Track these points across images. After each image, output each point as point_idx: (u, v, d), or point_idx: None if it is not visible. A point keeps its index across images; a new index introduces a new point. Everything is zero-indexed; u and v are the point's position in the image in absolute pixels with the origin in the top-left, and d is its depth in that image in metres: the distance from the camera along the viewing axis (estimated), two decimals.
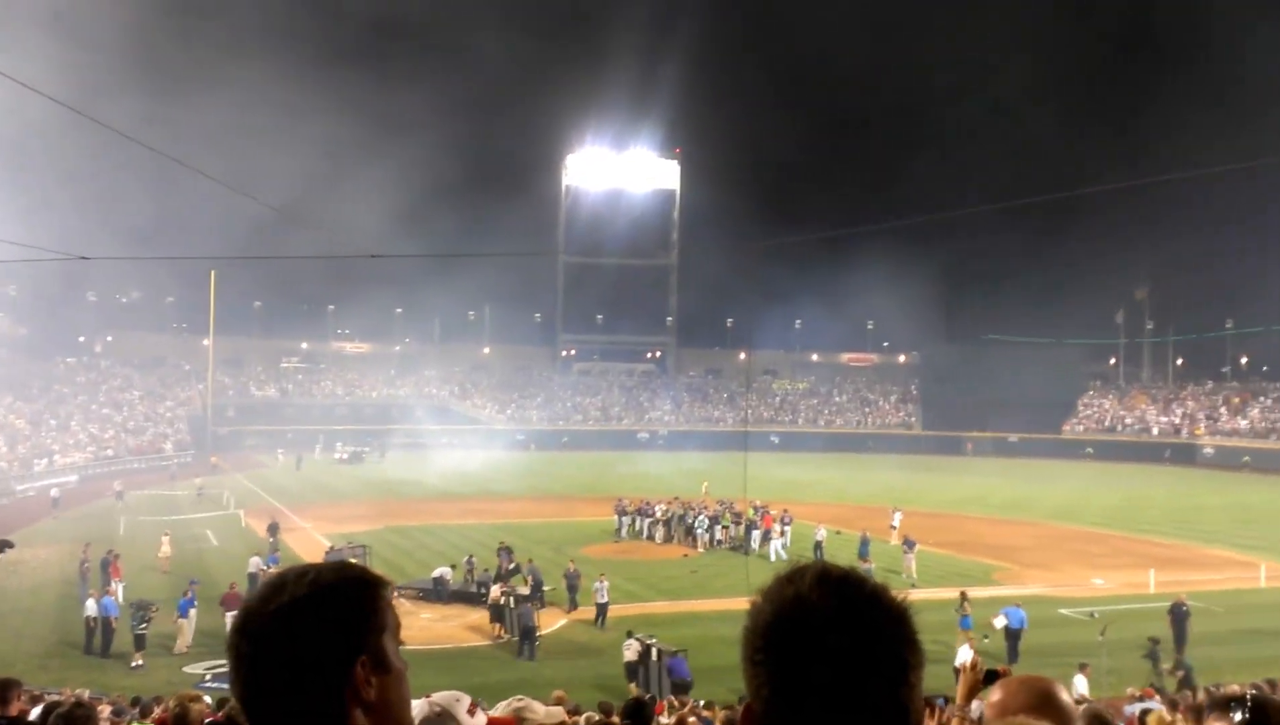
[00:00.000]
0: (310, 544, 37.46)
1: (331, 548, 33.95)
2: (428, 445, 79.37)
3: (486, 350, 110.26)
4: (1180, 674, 20.43)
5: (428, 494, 54.86)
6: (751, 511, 39.27)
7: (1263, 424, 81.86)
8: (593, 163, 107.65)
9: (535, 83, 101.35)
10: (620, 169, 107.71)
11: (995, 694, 2.40)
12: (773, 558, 35.25)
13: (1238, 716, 2.33)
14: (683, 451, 79.84)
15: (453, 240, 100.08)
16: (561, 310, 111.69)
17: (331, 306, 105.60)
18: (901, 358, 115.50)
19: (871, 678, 1.33)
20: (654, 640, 21.91)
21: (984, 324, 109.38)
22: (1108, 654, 21.13)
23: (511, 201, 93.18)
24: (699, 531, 38.99)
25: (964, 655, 19.71)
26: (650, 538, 40.32)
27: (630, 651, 21.70)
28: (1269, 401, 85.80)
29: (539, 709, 2.93)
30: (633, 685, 20.99)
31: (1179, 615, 24.21)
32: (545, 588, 28.48)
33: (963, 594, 25.20)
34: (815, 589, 1.38)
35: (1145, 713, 11.03)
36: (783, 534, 36.95)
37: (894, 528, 38.69)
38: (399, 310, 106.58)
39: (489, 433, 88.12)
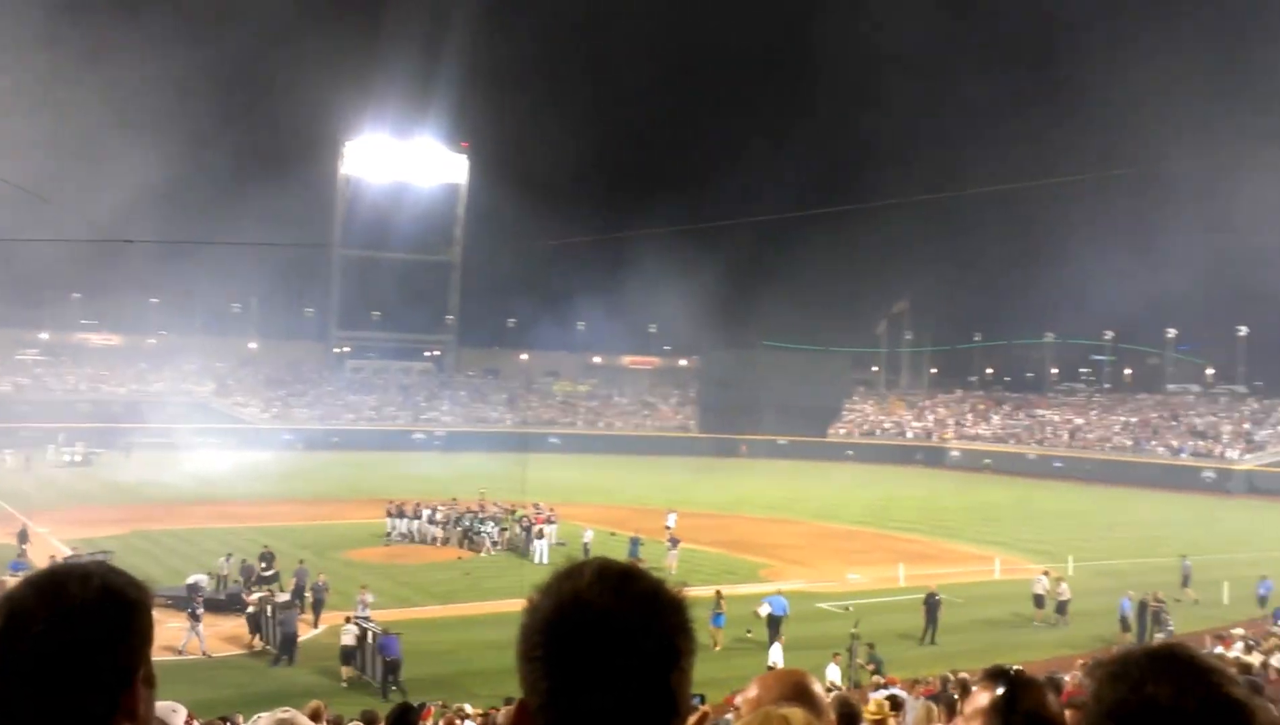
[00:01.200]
0: (49, 551, 34.56)
1: (73, 554, 31.48)
2: (181, 445, 74.45)
3: (253, 345, 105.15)
4: (872, 666, 21.63)
5: (180, 497, 51.20)
6: (518, 513, 39.24)
7: (1003, 430, 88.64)
8: (374, 151, 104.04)
9: (310, 58, 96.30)
10: (404, 160, 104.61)
11: (752, 689, 2.46)
12: (537, 560, 35.21)
13: (1000, 689, 2.46)
14: (460, 452, 78.78)
15: (217, 226, 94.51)
16: (337, 305, 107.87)
17: (76, 294, 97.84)
18: (683, 361, 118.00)
19: (646, 666, 1.37)
20: (371, 623, 22.57)
21: (761, 330, 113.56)
22: (862, 644, 22.34)
23: (284, 187, 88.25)
24: (481, 534, 38.51)
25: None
26: (424, 541, 39.51)
27: (348, 636, 22.10)
28: (1008, 409, 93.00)
29: (303, 721, 2.79)
30: (346, 669, 21.92)
31: (931, 605, 26.46)
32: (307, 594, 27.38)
33: (718, 593, 25.94)
34: (595, 584, 1.40)
35: (891, 698, 11.65)
36: (542, 535, 36.74)
37: (669, 528, 39.37)
38: (154, 300, 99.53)
39: (252, 432, 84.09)
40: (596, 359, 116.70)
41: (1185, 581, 32.38)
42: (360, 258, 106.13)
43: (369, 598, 25.50)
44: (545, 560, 34.85)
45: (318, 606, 26.65)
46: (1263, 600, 29.71)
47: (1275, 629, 22.99)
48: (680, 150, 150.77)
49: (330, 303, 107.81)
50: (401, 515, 40.65)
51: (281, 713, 2.78)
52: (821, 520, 49.71)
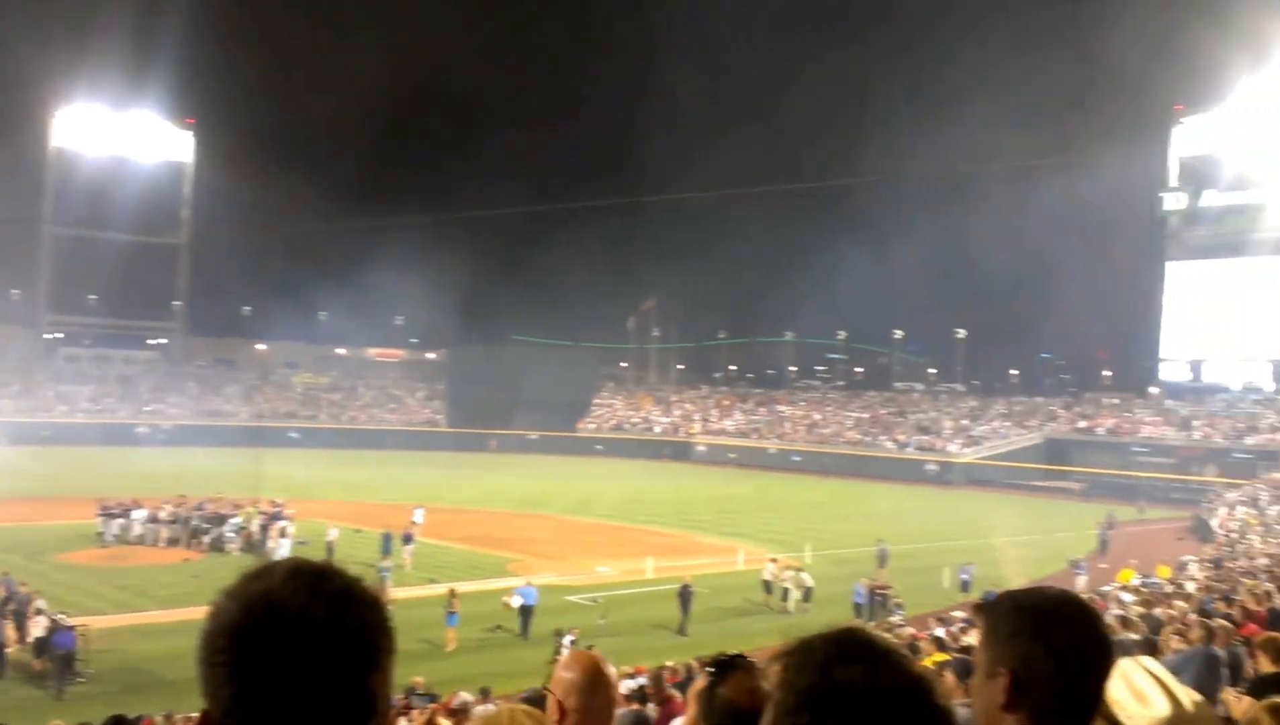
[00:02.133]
0: None
1: None
2: None
3: None
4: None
5: None
6: (251, 511, 36.91)
7: (746, 425, 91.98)
8: (88, 122, 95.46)
9: (16, 15, 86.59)
10: (123, 134, 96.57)
11: (567, 670, 2.63)
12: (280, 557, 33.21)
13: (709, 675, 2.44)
14: (188, 447, 73.70)
15: None
16: (47, 287, 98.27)
17: None
18: (430, 354, 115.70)
19: (342, 667, 1.31)
20: (61, 615, 21.94)
21: (511, 324, 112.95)
22: (610, 634, 22.16)
23: None
24: (219, 534, 35.80)
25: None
26: (147, 542, 36.29)
27: (39, 628, 21.78)
28: (751, 405, 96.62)
29: None
30: (37, 662, 21.56)
31: (685, 596, 26.94)
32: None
33: (451, 591, 25.24)
34: (287, 583, 1.35)
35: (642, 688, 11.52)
36: (285, 534, 34.74)
37: (416, 524, 38.09)
38: None
39: None
40: (340, 351, 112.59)
41: (882, 563, 34.79)
42: (74, 237, 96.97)
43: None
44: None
45: (19, 617, 23.79)
46: (965, 585, 31.53)
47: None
48: (428, 140, 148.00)
49: (39, 284, 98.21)
50: (117, 514, 37.19)
51: None
52: (571, 514, 49.65)
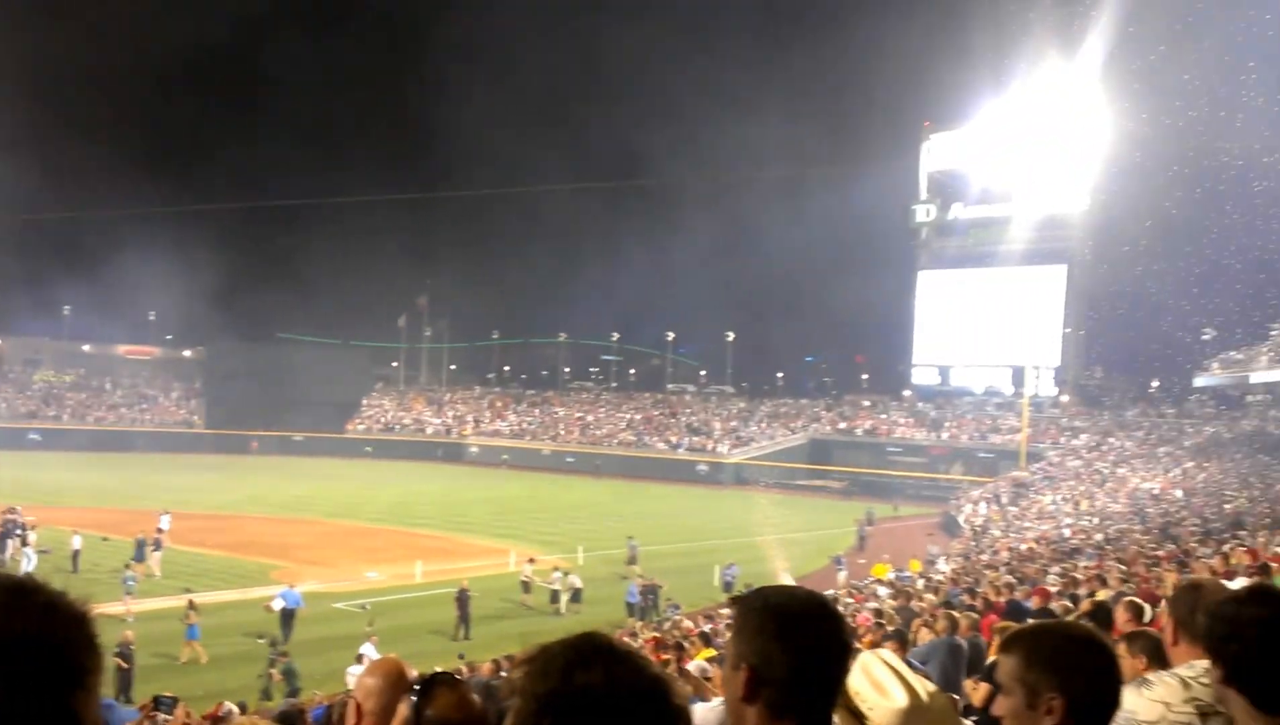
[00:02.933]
0: None
1: None
2: None
3: None
4: (280, 677, 21.14)
5: None
6: None
7: (519, 426, 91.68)
8: None
9: None
10: None
11: (369, 677, 2.61)
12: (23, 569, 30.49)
13: (413, 696, 2.49)
14: None
15: None
16: None
17: None
18: (187, 352, 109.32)
19: (44, 686, 1.25)
20: None
21: (275, 321, 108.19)
22: (383, 641, 21.62)
23: None
24: None
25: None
26: None
27: None
28: (525, 406, 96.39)
29: None
30: None
31: (463, 600, 26.63)
32: None
33: (190, 602, 23.95)
34: None
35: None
36: (26, 543, 32.00)
37: (162, 531, 35.81)
38: None
39: None
40: (85, 347, 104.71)
41: (632, 560, 35.52)
42: None
43: None
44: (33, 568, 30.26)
45: None
46: (728, 586, 32.44)
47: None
48: (183, 125, 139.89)
49: None
50: None
51: None
52: (339, 518, 48.03)
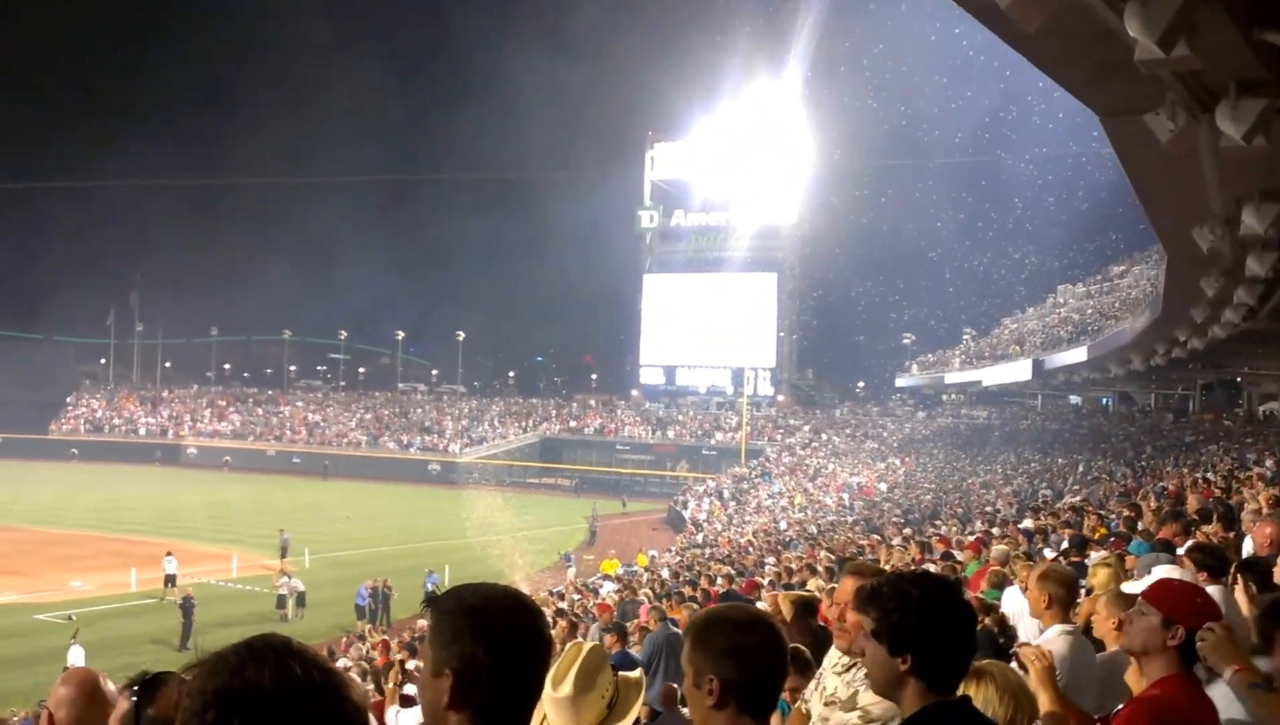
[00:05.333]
0: None
1: None
2: None
3: None
4: None
5: None
6: None
7: (242, 427, 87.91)
8: None
9: None
10: None
11: (63, 688, 2.71)
12: None
13: (131, 697, 2.58)
14: None
15: None
16: None
17: None
18: None
19: None
20: None
21: None
22: (93, 652, 20.90)
23: None
24: None
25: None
26: None
27: None
28: (248, 406, 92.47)
29: None
30: None
31: (188, 607, 26.09)
32: None
33: None
34: None
35: None
36: None
37: None
38: None
39: None
40: None
41: (283, 553, 36.31)
42: None
43: None
44: None
45: None
46: (429, 597, 33.10)
47: None
48: None
49: None
50: None
51: None
52: (39, 525, 44.78)
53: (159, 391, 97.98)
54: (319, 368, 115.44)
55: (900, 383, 75.78)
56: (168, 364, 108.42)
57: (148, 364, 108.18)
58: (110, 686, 2.73)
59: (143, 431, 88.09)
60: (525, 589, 29.73)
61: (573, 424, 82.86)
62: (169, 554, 32.01)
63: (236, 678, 1.40)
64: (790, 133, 77.39)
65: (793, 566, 17.09)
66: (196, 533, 44.59)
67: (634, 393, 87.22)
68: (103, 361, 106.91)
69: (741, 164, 78.25)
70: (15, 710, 17.33)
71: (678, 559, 30.91)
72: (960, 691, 2.63)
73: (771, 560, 21.86)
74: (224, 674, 1.41)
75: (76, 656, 21.12)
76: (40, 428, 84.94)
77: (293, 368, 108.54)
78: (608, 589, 22.90)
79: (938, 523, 28.14)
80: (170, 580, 30.80)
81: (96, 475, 69.66)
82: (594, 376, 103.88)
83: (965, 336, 71.07)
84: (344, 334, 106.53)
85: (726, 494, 55.46)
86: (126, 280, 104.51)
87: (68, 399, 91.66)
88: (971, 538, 16.47)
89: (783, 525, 39.60)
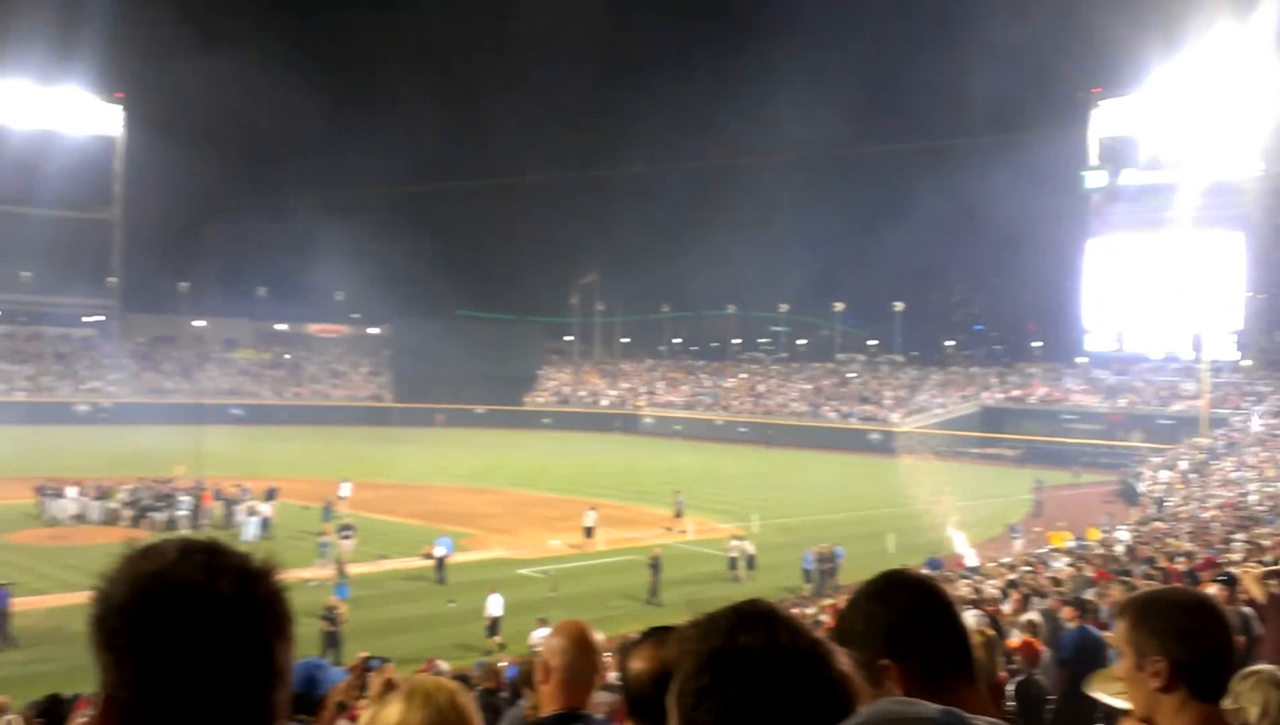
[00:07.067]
0: None
1: None
2: None
3: None
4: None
5: None
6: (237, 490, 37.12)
7: (691, 397, 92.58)
8: (14, 97, 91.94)
9: None
10: (49, 108, 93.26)
11: (555, 637, 2.92)
12: (247, 537, 32.94)
13: None
14: (131, 425, 72.53)
15: None
16: None
17: None
18: (373, 330, 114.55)
19: (247, 642, 1.33)
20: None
21: (454, 299, 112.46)
22: (559, 607, 22.54)
23: None
24: (170, 512, 35.45)
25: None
26: (87, 520, 35.86)
27: None
28: (696, 377, 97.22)
29: None
30: None
31: (656, 566, 27.52)
32: None
33: (340, 566, 26.20)
34: (180, 561, 1.35)
35: None
36: (254, 512, 34.62)
37: (343, 498, 38.36)
38: None
39: None
40: (280, 326, 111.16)
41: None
42: (2, 213, 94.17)
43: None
44: (253, 537, 32.82)
45: None
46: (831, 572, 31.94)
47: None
48: (364, 112, 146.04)
49: None
50: (57, 494, 36.69)
51: None
52: (521, 488, 49.78)
53: (618, 365, 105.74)
54: (761, 340, 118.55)
55: None
56: (625, 340, 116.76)
57: (607, 340, 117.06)
58: (599, 637, 2.98)
59: (605, 402, 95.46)
60: (971, 558, 28.51)
61: (1015, 393, 78.65)
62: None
63: (729, 641, 1.45)
64: (1255, 81, 68.21)
65: (1265, 543, 15.01)
66: (652, 497, 47.26)
67: (1079, 360, 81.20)
68: (567, 338, 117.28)
69: (1195, 117, 71.15)
70: (502, 656, 19.06)
71: (1134, 534, 28.14)
72: None
73: (1241, 536, 19.20)
74: (717, 637, 1.46)
75: (495, 605, 22.95)
76: (516, 400, 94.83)
77: (736, 341, 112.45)
78: (1060, 563, 21.27)
79: None
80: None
81: (565, 442, 76.44)
82: (1036, 344, 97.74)
83: None
84: (784, 307, 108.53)
85: (1186, 465, 49.88)
86: (587, 263, 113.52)
87: (538, 373, 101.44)
88: None
89: (1252, 498, 34.76)
